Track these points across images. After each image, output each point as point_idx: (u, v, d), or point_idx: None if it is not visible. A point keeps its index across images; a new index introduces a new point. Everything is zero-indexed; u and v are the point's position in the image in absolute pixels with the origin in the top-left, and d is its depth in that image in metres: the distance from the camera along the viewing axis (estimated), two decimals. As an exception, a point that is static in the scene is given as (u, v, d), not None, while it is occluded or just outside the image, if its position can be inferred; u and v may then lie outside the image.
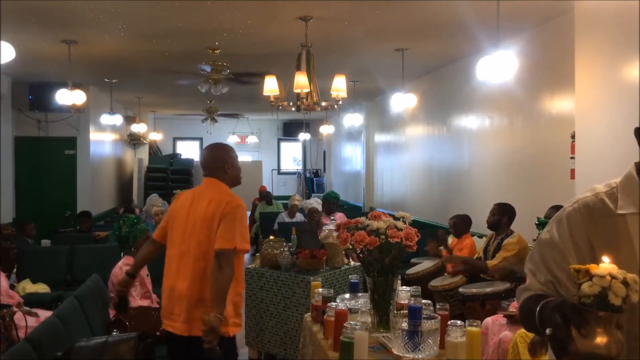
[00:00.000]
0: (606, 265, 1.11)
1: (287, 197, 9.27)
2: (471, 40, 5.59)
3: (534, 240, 1.53)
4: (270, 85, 5.06)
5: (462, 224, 5.62)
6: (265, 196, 10.83)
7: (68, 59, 6.02)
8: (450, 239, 5.87)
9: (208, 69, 6.66)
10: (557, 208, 1.47)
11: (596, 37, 4.04)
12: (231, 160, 3.02)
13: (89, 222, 7.65)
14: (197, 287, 2.79)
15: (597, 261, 1.18)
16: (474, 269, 4.69)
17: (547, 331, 1.13)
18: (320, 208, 6.70)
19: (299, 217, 8.62)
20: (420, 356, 2.11)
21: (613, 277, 1.08)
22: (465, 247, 5.48)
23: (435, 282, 4.83)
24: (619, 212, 1.32)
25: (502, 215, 4.76)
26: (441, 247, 5.50)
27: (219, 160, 2.98)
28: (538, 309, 1.25)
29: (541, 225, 4.11)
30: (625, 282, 1.08)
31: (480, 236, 5.32)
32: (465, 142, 6.88)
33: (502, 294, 4.22)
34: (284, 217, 8.69)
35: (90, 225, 7.65)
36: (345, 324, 2.25)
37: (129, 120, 12.09)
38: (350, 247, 2.54)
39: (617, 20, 3.76)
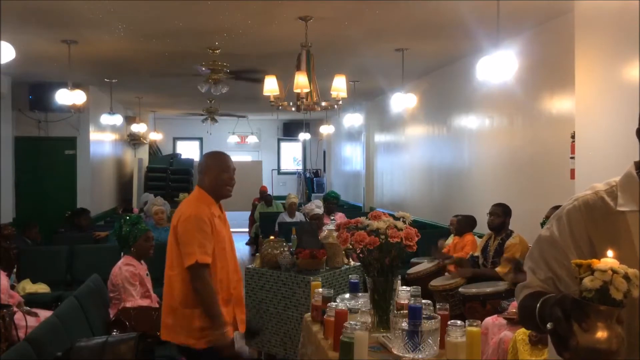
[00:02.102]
0: (608, 259, 1.11)
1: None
2: (471, 40, 5.58)
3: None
4: (270, 85, 5.06)
5: (465, 223, 5.64)
6: (265, 197, 10.85)
7: (68, 59, 6.02)
8: (452, 238, 5.88)
9: (207, 71, 6.66)
10: (558, 208, 1.48)
11: (596, 37, 4.04)
12: (213, 168, 2.89)
13: (88, 219, 7.66)
14: (167, 294, 2.86)
15: (597, 258, 1.18)
16: (482, 276, 4.68)
17: (548, 326, 1.13)
18: (321, 212, 6.69)
19: (299, 216, 8.63)
20: (420, 356, 2.11)
21: (614, 271, 1.08)
22: (467, 244, 5.51)
23: (435, 282, 4.84)
24: (619, 209, 1.33)
25: (506, 217, 4.76)
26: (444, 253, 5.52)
27: (201, 167, 2.96)
28: (538, 305, 1.26)
29: (545, 225, 4.11)
30: (626, 277, 1.08)
31: (480, 236, 5.32)
32: (465, 142, 6.88)
33: (503, 294, 4.22)
34: (284, 217, 8.69)
35: (89, 222, 7.66)
36: (345, 324, 2.25)
37: (129, 120, 12.10)
38: (350, 247, 2.54)
39: (617, 20, 3.76)
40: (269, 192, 11.91)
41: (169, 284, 2.82)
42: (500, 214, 4.76)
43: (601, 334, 1.07)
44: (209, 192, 2.90)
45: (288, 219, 8.53)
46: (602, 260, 1.11)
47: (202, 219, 2.75)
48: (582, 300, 1.09)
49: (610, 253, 1.13)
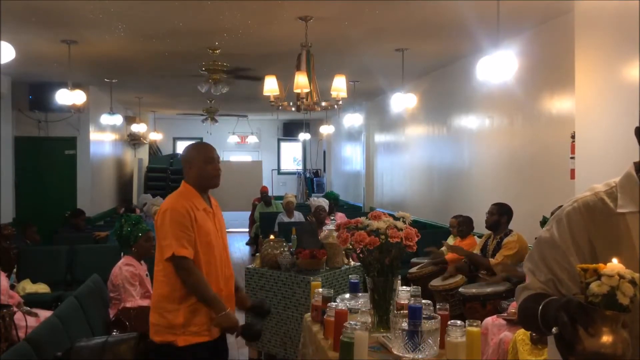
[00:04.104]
0: (614, 264, 1.11)
1: (288, 197, 9.23)
2: (471, 40, 5.59)
3: (536, 239, 1.54)
4: (270, 85, 5.06)
5: (468, 225, 5.63)
6: (264, 198, 10.85)
7: (68, 59, 6.02)
8: (452, 240, 5.88)
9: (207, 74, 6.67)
10: None
11: (596, 37, 4.04)
12: (196, 161, 2.85)
13: (84, 219, 7.67)
14: (153, 291, 2.85)
15: (597, 260, 1.18)
16: (474, 262, 4.69)
17: (554, 330, 1.13)
18: (327, 207, 6.71)
19: (297, 216, 8.62)
20: (420, 356, 2.11)
21: (621, 276, 1.08)
22: (466, 245, 5.50)
23: (436, 282, 4.84)
24: (619, 211, 1.32)
25: (502, 216, 4.76)
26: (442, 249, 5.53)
27: (184, 160, 2.91)
28: (541, 307, 1.25)
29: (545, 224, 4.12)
30: (633, 282, 1.08)
31: (480, 236, 5.32)
32: (465, 142, 6.88)
33: (503, 294, 4.23)
34: (282, 217, 8.69)
35: (85, 223, 7.66)
36: (345, 324, 2.25)
37: (129, 120, 12.09)
38: (350, 247, 2.54)
39: (617, 20, 3.76)
40: (270, 192, 11.90)
41: (156, 280, 2.80)
42: (495, 213, 4.76)
43: (607, 339, 1.07)
44: (195, 184, 2.85)
45: (286, 219, 8.53)
46: (609, 265, 1.11)
47: (179, 211, 2.70)
48: (589, 306, 1.09)
49: (615, 260, 1.13)
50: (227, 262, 2.93)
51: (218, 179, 2.89)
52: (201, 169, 2.84)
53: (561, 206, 1.45)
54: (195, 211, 2.75)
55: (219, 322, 2.69)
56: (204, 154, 2.89)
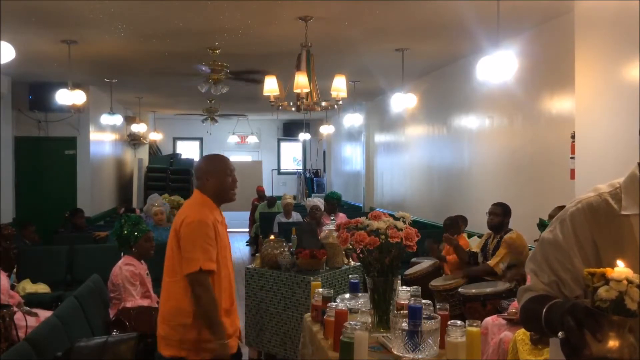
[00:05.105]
0: (621, 269, 1.11)
1: (288, 198, 9.21)
2: (471, 40, 5.59)
3: (535, 240, 1.53)
4: (270, 85, 5.06)
5: (452, 228, 5.55)
6: (267, 198, 10.84)
7: (68, 59, 6.02)
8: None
9: (208, 70, 6.66)
10: (562, 208, 1.46)
11: (596, 37, 4.05)
12: (215, 172, 2.81)
13: (82, 218, 7.65)
14: (162, 302, 2.76)
15: (600, 261, 1.17)
16: (477, 275, 4.67)
17: (560, 334, 1.13)
18: (322, 206, 6.71)
19: (295, 216, 8.62)
20: (420, 356, 2.11)
21: (630, 281, 1.08)
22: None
23: (436, 282, 4.84)
24: (623, 212, 1.32)
25: (506, 216, 4.76)
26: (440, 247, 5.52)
27: (201, 171, 2.85)
28: (544, 310, 1.25)
29: (542, 226, 4.11)
30: None
31: (480, 236, 5.32)
32: (465, 142, 6.88)
33: (503, 294, 4.22)
34: (280, 217, 8.68)
35: (84, 221, 7.65)
36: (345, 324, 2.25)
37: (129, 120, 12.09)
38: (350, 247, 2.54)
39: (617, 20, 3.77)
40: (270, 192, 11.89)
41: (167, 291, 2.70)
42: (500, 214, 4.76)
43: (613, 344, 1.06)
44: (212, 196, 2.80)
45: (284, 219, 8.52)
46: (616, 269, 1.11)
47: (207, 223, 2.64)
48: (596, 310, 1.08)
49: (620, 263, 1.12)
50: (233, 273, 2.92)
51: (235, 193, 2.87)
52: (222, 181, 2.80)
53: (559, 207, 1.45)
54: (217, 224, 2.72)
55: (220, 351, 2.57)
56: (224, 165, 2.85)
